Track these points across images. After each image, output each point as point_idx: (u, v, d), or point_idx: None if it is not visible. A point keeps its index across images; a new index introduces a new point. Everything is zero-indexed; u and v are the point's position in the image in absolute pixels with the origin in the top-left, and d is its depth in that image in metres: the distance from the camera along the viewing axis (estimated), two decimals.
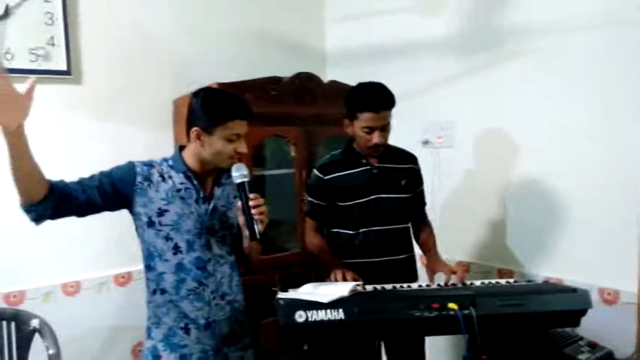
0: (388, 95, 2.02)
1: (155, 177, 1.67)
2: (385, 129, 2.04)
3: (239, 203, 1.63)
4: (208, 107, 1.62)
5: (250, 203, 1.59)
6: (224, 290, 1.73)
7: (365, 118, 2.01)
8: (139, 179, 1.65)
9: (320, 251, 2.20)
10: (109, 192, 1.61)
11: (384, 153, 2.15)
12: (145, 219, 1.66)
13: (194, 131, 1.63)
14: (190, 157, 1.69)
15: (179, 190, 1.67)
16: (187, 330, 1.67)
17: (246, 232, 1.62)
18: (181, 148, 1.74)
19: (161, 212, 1.65)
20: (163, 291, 1.68)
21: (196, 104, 1.64)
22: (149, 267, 1.70)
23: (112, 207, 1.66)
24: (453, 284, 1.87)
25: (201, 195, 1.70)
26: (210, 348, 1.70)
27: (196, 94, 1.67)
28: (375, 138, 2.02)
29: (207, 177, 1.73)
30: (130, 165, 1.67)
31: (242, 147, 1.65)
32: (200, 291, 1.67)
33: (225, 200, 1.75)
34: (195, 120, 1.64)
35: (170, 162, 1.71)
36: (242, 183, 1.62)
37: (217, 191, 1.74)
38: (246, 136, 1.69)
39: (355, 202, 2.11)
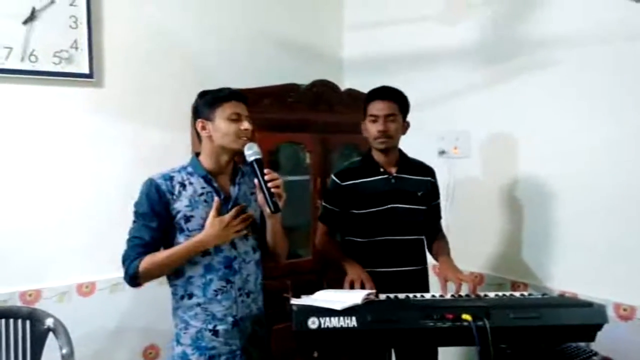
0: (396, 90, 2.11)
1: (177, 187, 1.72)
2: (390, 119, 2.08)
3: (256, 180, 1.71)
4: (205, 98, 1.78)
5: (266, 177, 1.69)
6: (249, 288, 1.79)
7: (372, 107, 2.10)
8: (167, 196, 1.71)
9: (330, 251, 2.20)
10: (160, 225, 1.71)
11: (403, 163, 2.17)
12: (177, 226, 1.72)
13: (199, 122, 1.75)
14: (206, 158, 1.77)
15: (201, 195, 1.73)
16: (215, 332, 1.73)
17: (267, 210, 1.71)
18: (197, 155, 1.81)
19: (187, 219, 1.71)
20: (191, 296, 1.73)
21: (196, 102, 1.80)
22: (177, 274, 1.74)
23: (167, 230, 1.72)
24: (467, 295, 1.86)
25: (222, 196, 1.75)
26: (237, 347, 1.76)
27: (196, 98, 1.83)
28: (380, 125, 2.07)
29: (224, 177, 1.80)
30: (153, 185, 1.72)
31: (245, 125, 1.73)
32: (227, 289, 1.74)
33: (243, 199, 1.80)
34: (197, 115, 1.77)
35: (189, 169, 1.77)
36: (256, 160, 1.70)
37: (234, 190, 1.79)
38: (258, 141, 1.79)
39: (370, 210, 2.11)
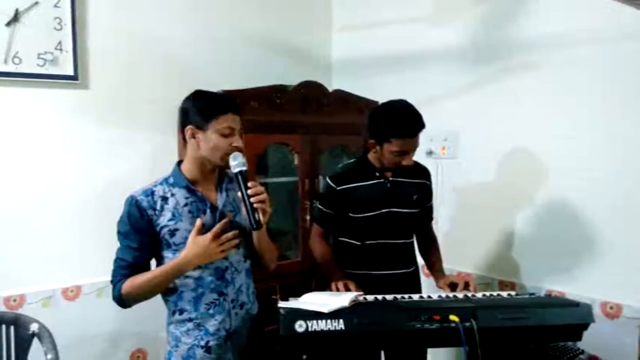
0: (420, 117, 1.98)
1: (159, 202, 1.64)
2: (415, 150, 2.03)
3: (239, 194, 1.61)
4: (200, 104, 1.64)
5: (249, 192, 1.58)
6: (242, 299, 1.73)
7: (399, 143, 1.96)
8: (149, 212, 1.62)
9: (322, 259, 2.18)
10: (143, 243, 1.63)
11: (398, 167, 2.12)
12: (163, 241, 1.64)
13: (189, 129, 1.63)
14: (189, 165, 1.68)
15: (185, 206, 1.64)
16: (207, 349, 1.66)
17: (248, 225, 1.61)
18: (179, 163, 1.72)
19: (172, 233, 1.63)
20: (182, 311, 1.67)
21: (187, 105, 1.67)
22: (169, 288, 1.67)
23: (154, 247, 1.66)
24: (454, 295, 1.86)
25: (208, 205, 1.67)
26: None
27: (187, 98, 1.70)
28: (406, 161, 2.00)
29: (209, 184, 1.71)
30: (134, 202, 1.63)
31: (237, 142, 1.63)
32: (220, 302, 1.67)
33: (231, 206, 1.71)
34: (188, 119, 1.64)
35: (171, 180, 1.68)
36: (240, 172, 1.60)
37: (221, 198, 1.70)
38: (246, 143, 1.71)
39: (366, 215, 2.09)
